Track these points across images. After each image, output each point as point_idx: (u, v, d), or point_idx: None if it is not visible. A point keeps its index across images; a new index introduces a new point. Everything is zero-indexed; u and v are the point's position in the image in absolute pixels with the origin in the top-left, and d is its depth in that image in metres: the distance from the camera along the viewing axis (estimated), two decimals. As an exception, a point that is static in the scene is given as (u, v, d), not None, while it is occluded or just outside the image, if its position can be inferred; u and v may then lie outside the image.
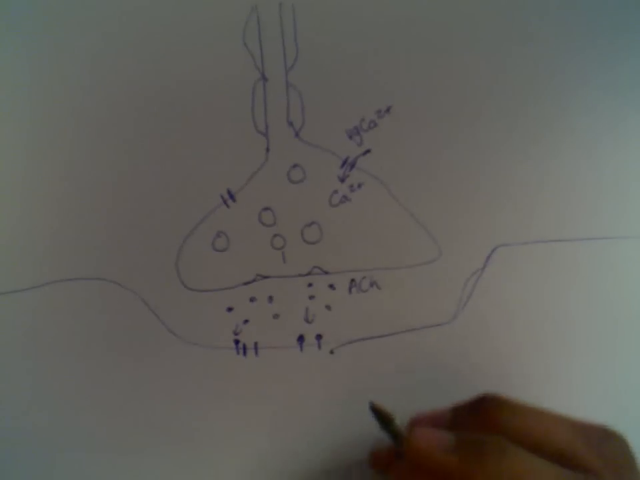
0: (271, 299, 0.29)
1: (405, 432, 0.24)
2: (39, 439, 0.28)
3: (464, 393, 0.25)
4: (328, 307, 0.30)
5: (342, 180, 0.29)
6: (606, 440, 0.23)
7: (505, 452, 0.21)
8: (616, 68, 0.31)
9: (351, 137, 0.29)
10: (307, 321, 0.29)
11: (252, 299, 0.29)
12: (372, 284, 0.30)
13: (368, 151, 0.29)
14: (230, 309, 0.29)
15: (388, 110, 0.29)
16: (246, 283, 0.29)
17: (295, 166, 0.29)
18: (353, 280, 0.30)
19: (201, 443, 0.29)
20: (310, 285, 0.29)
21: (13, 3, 0.26)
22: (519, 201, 0.30)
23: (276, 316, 0.29)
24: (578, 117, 0.31)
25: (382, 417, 0.24)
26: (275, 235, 0.29)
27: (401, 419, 0.25)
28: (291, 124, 0.29)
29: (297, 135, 0.29)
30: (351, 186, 0.29)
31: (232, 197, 0.29)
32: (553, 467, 0.21)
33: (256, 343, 0.29)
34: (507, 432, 0.23)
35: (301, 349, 0.30)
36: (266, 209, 0.29)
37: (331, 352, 0.30)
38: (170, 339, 0.28)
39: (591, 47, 0.30)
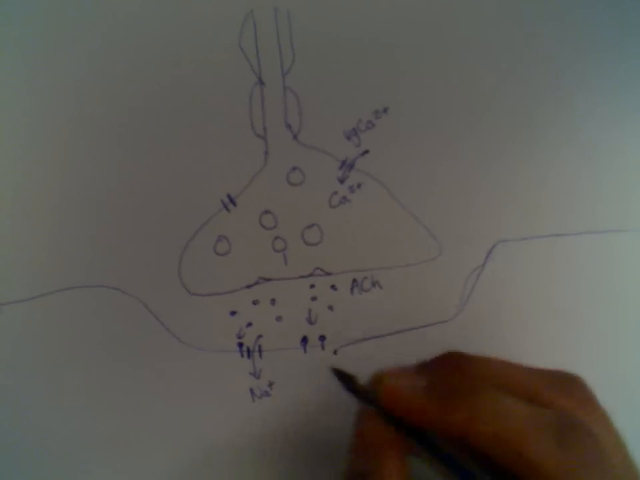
0: (273, 301, 0.29)
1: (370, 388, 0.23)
2: (46, 446, 0.28)
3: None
4: (330, 308, 0.30)
5: (341, 181, 0.29)
6: (569, 382, 0.23)
7: (477, 390, 0.21)
8: (616, 69, 0.31)
9: (349, 138, 0.29)
10: (310, 322, 0.30)
11: (254, 302, 0.29)
12: (373, 283, 0.30)
13: (366, 152, 0.29)
14: (233, 313, 0.29)
15: (385, 110, 0.29)
16: (248, 286, 0.29)
17: (294, 168, 0.29)
18: (354, 280, 0.30)
19: (206, 445, 0.29)
20: (312, 286, 0.29)
21: (13, 2, 0.26)
22: (519, 197, 0.31)
23: (279, 318, 0.29)
24: (578, 113, 0.31)
25: (344, 377, 0.24)
26: (276, 238, 0.29)
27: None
28: (288, 127, 0.29)
29: (295, 137, 0.29)
30: (350, 187, 0.29)
31: (232, 201, 0.29)
32: (525, 404, 0.21)
33: (260, 346, 0.29)
34: (475, 380, 0.23)
35: (305, 350, 0.30)
36: (266, 212, 0.29)
37: (335, 352, 0.30)
38: (174, 344, 0.29)
39: (591, 48, 0.31)
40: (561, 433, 0.20)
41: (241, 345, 0.29)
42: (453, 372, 0.23)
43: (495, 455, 0.20)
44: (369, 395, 0.23)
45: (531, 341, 0.31)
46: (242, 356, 0.29)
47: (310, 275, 0.29)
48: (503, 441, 0.20)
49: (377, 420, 0.22)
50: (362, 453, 0.22)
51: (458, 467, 0.21)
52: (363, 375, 0.29)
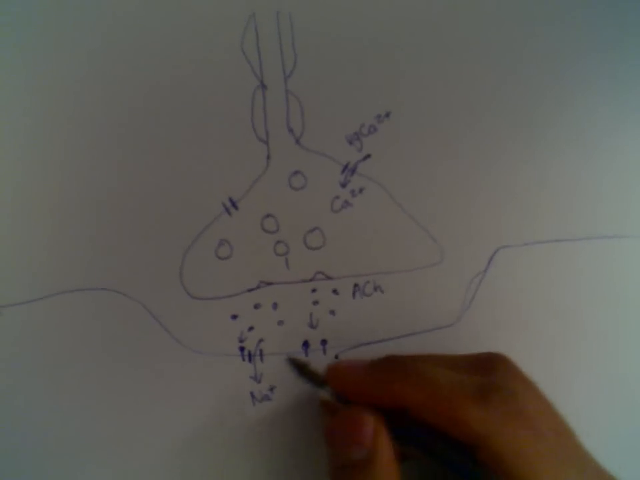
0: (275, 305, 0.29)
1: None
2: (46, 447, 0.28)
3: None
4: (332, 312, 0.30)
5: (343, 185, 0.29)
6: (492, 359, 0.25)
7: (408, 363, 0.24)
8: (617, 69, 0.31)
9: (351, 143, 0.29)
10: (312, 326, 0.30)
11: (256, 306, 0.29)
12: (375, 288, 0.30)
13: (368, 156, 0.29)
14: (235, 317, 0.29)
15: (387, 115, 0.29)
16: (250, 290, 0.29)
17: (296, 172, 0.29)
18: (356, 284, 0.30)
19: (206, 448, 0.29)
20: (314, 290, 0.29)
21: (13, 2, 0.26)
22: (520, 203, 0.31)
23: (280, 322, 0.29)
24: (578, 118, 0.31)
25: (298, 364, 0.26)
26: (278, 242, 0.29)
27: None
28: (291, 131, 0.29)
29: (297, 141, 0.29)
30: (352, 191, 0.29)
31: (234, 205, 0.29)
32: (452, 373, 0.24)
33: (261, 350, 0.29)
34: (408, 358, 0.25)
35: (306, 354, 0.30)
36: (268, 215, 0.29)
37: (336, 357, 0.30)
38: (175, 348, 0.28)
39: (591, 48, 0.31)
40: (481, 394, 0.22)
41: (242, 348, 0.29)
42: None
43: (430, 420, 0.22)
44: (320, 379, 0.26)
45: (532, 345, 0.31)
46: (243, 360, 0.29)
47: (312, 279, 0.29)
48: (434, 405, 0.22)
49: (363, 411, 0.24)
50: (349, 442, 0.23)
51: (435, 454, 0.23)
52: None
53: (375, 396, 0.24)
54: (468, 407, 0.22)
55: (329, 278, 0.29)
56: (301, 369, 0.26)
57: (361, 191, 0.29)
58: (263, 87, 0.28)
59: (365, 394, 0.24)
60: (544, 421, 0.23)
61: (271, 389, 0.29)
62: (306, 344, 0.30)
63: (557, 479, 0.21)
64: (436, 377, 0.23)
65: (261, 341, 0.29)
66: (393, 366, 0.24)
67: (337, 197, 0.29)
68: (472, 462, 0.22)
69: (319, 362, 0.29)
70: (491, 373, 0.24)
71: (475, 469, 0.22)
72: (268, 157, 0.29)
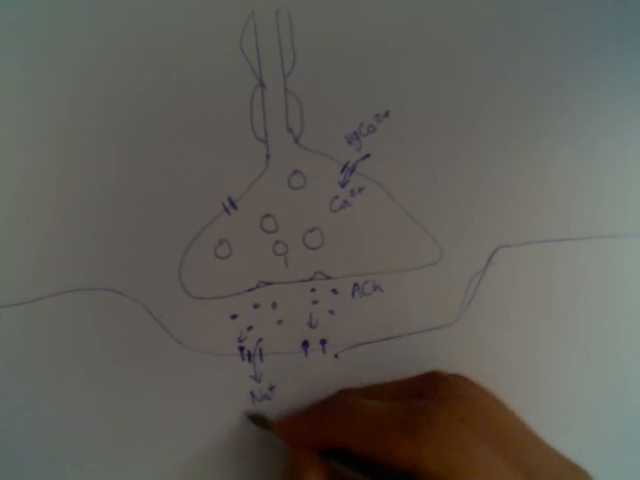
0: (274, 305, 0.29)
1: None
2: (46, 449, 0.28)
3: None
4: (331, 312, 0.30)
5: (342, 185, 0.29)
6: (430, 379, 0.26)
7: (338, 401, 0.26)
8: (617, 70, 0.31)
9: (350, 142, 0.29)
10: (311, 326, 0.30)
11: (255, 306, 0.29)
12: (375, 287, 0.30)
13: (367, 156, 0.29)
14: (234, 316, 0.29)
15: (387, 114, 0.29)
16: (249, 290, 0.29)
17: (295, 172, 0.29)
18: (355, 284, 0.30)
19: (206, 449, 0.29)
20: (313, 290, 0.29)
21: (13, 2, 0.26)
22: (520, 202, 0.31)
23: (280, 322, 0.29)
24: (579, 117, 0.31)
25: (258, 420, 0.29)
26: (277, 242, 0.29)
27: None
28: (290, 130, 0.29)
29: (296, 141, 0.29)
30: (352, 191, 0.29)
31: (233, 204, 0.29)
32: (379, 403, 0.24)
33: (260, 349, 0.29)
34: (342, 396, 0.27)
35: (306, 354, 0.30)
36: (267, 215, 0.29)
37: (336, 356, 0.30)
38: (175, 347, 0.28)
39: (592, 49, 0.30)
40: (410, 418, 0.23)
41: (241, 348, 0.29)
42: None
43: (369, 453, 0.23)
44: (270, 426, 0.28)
45: (531, 345, 0.31)
46: (243, 359, 0.29)
47: (311, 279, 0.29)
48: (362, 437, 0.23)
49: (299, 451, 0.26)
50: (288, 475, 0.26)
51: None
52: (363, 379, 0.30)
53: (314, 444, 0.25)
54: (396, 436, 0.22)
55: (328, 277, 0.29)
56: (261, 424, 0.29)
57: (360, 190, 0.29)
58: (262, 85, 0.28)
59: (308, 443, 0.25)
60: (477, 433, 0.23)
61: (271, 389, 0.30)
62: (305, 343, 0.30)
63: None
64: (364, 410, 0.24)
65: (260, 340, 0.29)
66: (325, 407, 0.26)
67: (336, 197, 0.29)
68: None
69: (319, 361, 0.30)
70: (423, 395, 0.24)
71: None
72: (267, 157, 0.29)
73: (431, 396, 0.24)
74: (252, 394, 0.29)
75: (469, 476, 0.21)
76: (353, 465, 0.24)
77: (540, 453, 0.23)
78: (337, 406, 0.25)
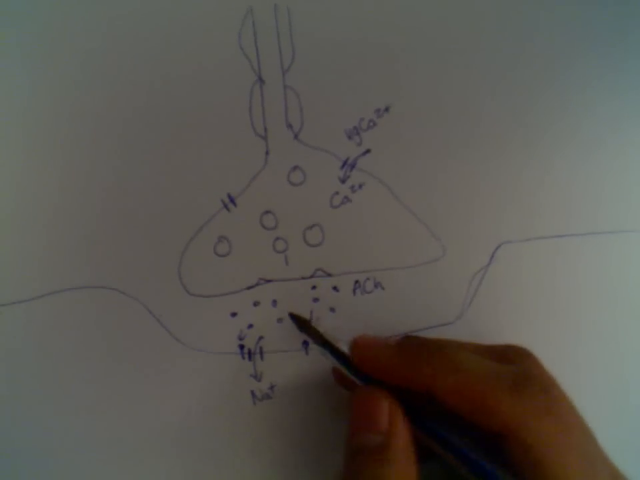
0: (274, 302, 0.29)
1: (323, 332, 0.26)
2: (46, 446, 0.28)
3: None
4: (332, 310, 0.29)
5: (343, 181, 0.29)
6: (518, 352, 0.25)
7: (441, 347, 0.24)
8: (617, 69, 0.30)
9: (350, 138, 0.29)
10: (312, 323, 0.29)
11: (255, 303, 0.29)
12: (376, 285, 0.30)
13: (368, 151, 0.29)
14: (234, 314, 0.29)
15: (387, 109, 0.29)
16: (249, 287, 0.29)
17: (295, 168, 0.29)
18: (356, 281, 0.29)
19: (207, 446, 0.29)
20: (313, 287, 0.29)
21: (13, 2, 0.26)
22: (523, 198, 0.30)
23: (280, 320, 0.29)
24: (581, 113, 0.31)
25: (300, 320, 0.27)
26: (277, 238, 0.29)
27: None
28: (289, 126, 0.28)
29: (296, 137, 0.28)
30: (352, 186, 0.29)
31: (232, 201, 0.28)
32: (484, 360, 0.23)
33: (261, 348, 0.29)
34: (439, 341, 0.25)
35: (306, 352, 0.29)
36: (267, 212, 0.29)
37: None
38: (174, 346, 0.28)
39: (591, 48, 0.30)
40: (516, 384, 0.22)
41: (241, 346, 0.29)
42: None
43: (457, 406, 0.22)
44: (321, 338, 0.26)
45: (534, 342, 0.30)
46: (243, 358, 0.29)
47: (311, 276, 0.29)
48: (463, 392, 0.22)
49: (380, 393, 0.23)
50: (367, 426, 0.23)
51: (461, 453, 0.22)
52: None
53: (403, 377, 0.23)
54: (501, 396, 0.21)
55: (328, 275, 0.29)
56: (302, 324, 0.27)
57: (360, 186, 0.29)
58: (261, 81, 0.28)
59: (393, 374, 0.23)
60: (571, 417, 0.22)
61: (272, 387, 0.29)
62: (306, 342, 0.29)
63: (584, 472, 0.21)
64: (468, 362, 0.23)
65: (260, 338, 0.29)
66: (422, 348, 0.24)
67: (337, 193, 0.29)
68: (492, 460, 0.21)
69: (320, 360, 0.29)
70: (519, 365, 0.23)
71: (494, 468, 0.21)
72: (267, 153, 0.28)
73: (529, 368, 0.23)
74: (252, 393, 0.29)
75: (566, 455, 0.21)
76: (428, 418, 0.22)
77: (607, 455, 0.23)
78: (436, 350, 0.23)
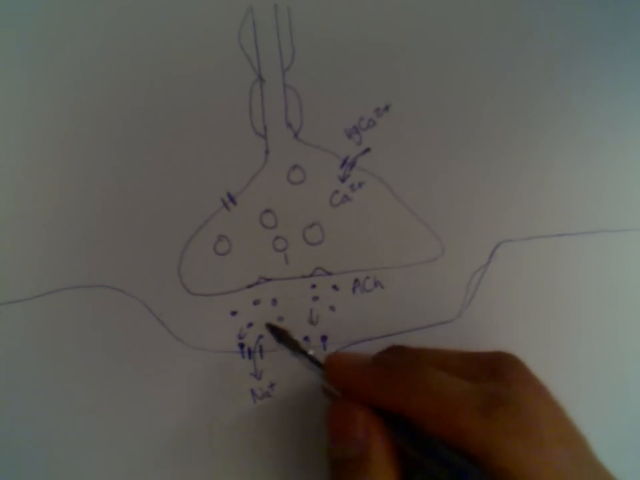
0: (274, 301, 0.29)
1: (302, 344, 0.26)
2: (46, 446, 0.28)
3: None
4: (332, 308, 0.29)
5: (342, 180, 0.29)
6: (502, 361, 0.24)
7: (414, 366, 0.23)
8: (617, 68, 0.31)
9: (350, 136, 0.29)
10: (312, 322, 0.29)
11: (255, 302, 0.29)
12: (376, 283, 0.30)
13: (367, 150, 0.29)
14: (234, 313, 0.29)
15: (387, 108, 0.29)
16: (249, 286, 0.29)
17: (294, 167, 0.29)
18: (356, 280, 0.29)
19: (207, 446, 0.29)
20: (313, 286, 0.29)
21: (13, 2, 0.26)
22: (522, 197, 0.30)
23: (280, 318, 0.29)
24: (580, 112, 0.31)
25: (277, 331, 0.27)
26: (277, 237, 0.29)
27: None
28: (289, 125, 0.28)
29: (295, 135, 0.29)
30: (352, 185, 0.29)
31: (232, 200, 0.28)
32: (458, 380, 0.22)
33: (261, 346, 0.29)
34: (413, 358, 0.25)
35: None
36: (267, 211, 0.29)
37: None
38: (174, 345, 0.28)
39: (591, 47, 0.30)
40: (486, 405, 0.21)
41: (241, 345, 0.29)
42: (394, 355, 0.25)
43: (431, 429, 0.21)
44: (299, 348, 0.26)
45: (534, 341, 0.31)
46: (243, 357, 0.29)
47: (311, 275, 0.29)
48: (433, 415, 0.21)
49: (355, 404, 0.23)
50: (343, 437, 0.23)
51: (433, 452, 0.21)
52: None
53: (374, 398, 0.23)
54: (472, 419, 0.21)
55: (328, 273, 0.29)
56: (279, 335, 0.26)
57: (360, 185, 0.29)
58: (261, 80, 0.28)
59: (364, 396, 0.23)
60: (552, 431, 0.22)
61: (272, 386, 0.29)
62: (306, 340, 0.29)
63: None
64: (438, 384, 0.22)
65: (260, 337, 0.29)
66: (394, 368, 0.23)
67: (336, 192, 0.29)
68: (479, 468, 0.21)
69: (320, 358, 0.29)
70: (499, 378, 0.23)
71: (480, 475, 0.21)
72: (266, 152, 0.28)
73: (509, 380, 0.23)
74: (252, 391, 0.29)
75: (543, 476, 0.20)
76: (412, 438, 0.22)
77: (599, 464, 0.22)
78: (410, 367, 0.23)
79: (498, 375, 0.23)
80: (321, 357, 0.25)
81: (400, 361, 0.24)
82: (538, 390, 0.23)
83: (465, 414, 0.21)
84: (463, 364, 0.24)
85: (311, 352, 0.26)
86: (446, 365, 0.24)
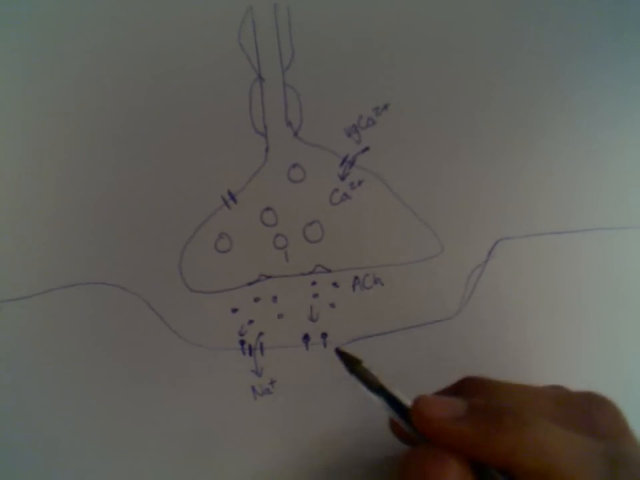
0: (275, 298, 0.29)
1: (378, 377, 0.23)
2: (46, 446, 0.28)
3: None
4: (332, 305, 0.30)
5: (342, 178, 0.29)
6: (601, 405, 0.23)
7: (525, 421, 0.20)
8: (616, 68, 0.31)
9: (349, 135, 0.29)
10: (312, 319, 0.30)
11: (256, 299, 0.29)
12: (375, 281, 0.30)
13: (367, 149, 0.29)
14: (234, 310, 0.29)
15: (386, 107, 0.29)
16: (250, 284, 0.29)
17: (294, 165, 0.29)
18: (356, 277, 0.30)
19: (208, 443, 0.29)
20: (313, 283, 0.29)
21: (13, 2, 0.26)
22: (521, 194, 0.30)
23: (280, 315, 0.29)
24: (580, 110, 0.31)
25: (348, 359, 0.23)
26: (277, 235, 0.29)
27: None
28: (289, 124, 0.29)
29: (295, 134, 0.29)
30: (351, 184, 0.29)
31: (233, 198, 0.29)
32: (575, 434, 0.20)
33: (261, 343, 0.29)
34: (516, 409, 0.21)
35: (307, 348, 0.30)
36: (267, 209, 0.29)
37: (337, 350, 0.30)
38: (175, 342, 0.28)
39: (591, 47, 0.30)
40: (614, 470, 0.19)
41: (242, 342, 0.29)
42: (484, 398, 0.22)
43: None
44: (374, 384, 0.22)
45: (532, 338, 0.31)
46: (243, 353, 0.29)
47: (311, 272, 0.29)
48: (551, 475, 0.19)
49: (447, 454, 0.20)
50: None
51: None
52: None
53: (473, 451, 0.20)
54: None
55: (328, 271, 0.29)
56: (351, 365, 0.23)
57: (359, 183, 0.29)
58: (261, 79, 0.28)
59: (461, 447, 0.20)
60: None
61: (272, 383, 0.29)
62: (306, 337, 0.30)
63: None
64: (555, 442, 0.19)
65: (261, 334, 0.29)
66: (500, 420, 0.20)
67: (336, 190, 0.29)
68: None
69: (320, 355, 0.29)
70: (597, 427, 0.21)
71: None
72: (266, 150, 0.29)
73: (607, 428, 0.21)
74: (253, 388, 0.29)
75: None
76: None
77: None
78: (518, 420, 0.20)
79: (592, 420, 0.22)
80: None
81: (503, 411, 0.20)
82: (632, 435, 0.22)
83: (588, 477, 0.19)
84: (558, 409, 0.22)
85: (396, 392, 0.22)
86: (540, 408, 0.22)
